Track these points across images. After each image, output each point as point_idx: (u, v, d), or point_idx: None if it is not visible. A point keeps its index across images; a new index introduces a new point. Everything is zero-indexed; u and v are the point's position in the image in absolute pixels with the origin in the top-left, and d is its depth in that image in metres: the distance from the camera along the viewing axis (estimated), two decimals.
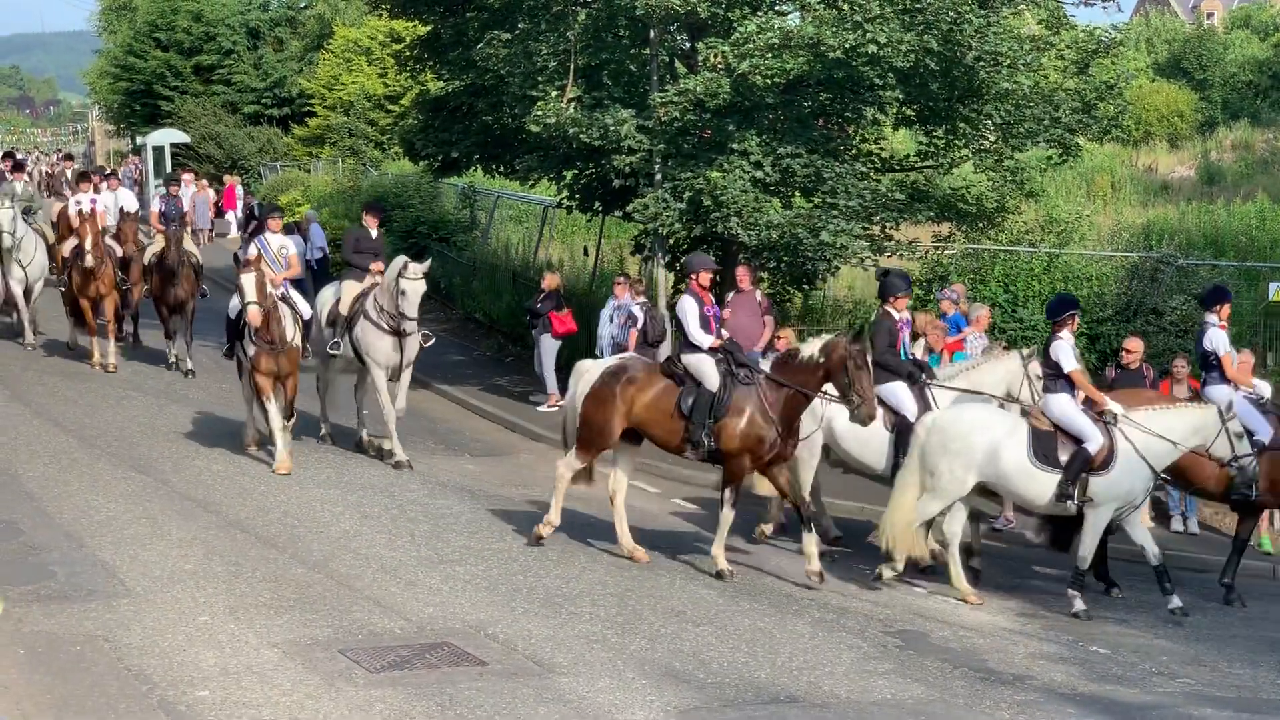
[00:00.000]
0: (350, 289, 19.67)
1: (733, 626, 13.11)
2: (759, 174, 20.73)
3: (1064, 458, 14.64)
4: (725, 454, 14.94)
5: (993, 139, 22.56)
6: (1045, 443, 14.72)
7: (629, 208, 22.19)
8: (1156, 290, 21.32)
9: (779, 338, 20.71)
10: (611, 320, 22.46)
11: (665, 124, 20.85)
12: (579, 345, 23.84)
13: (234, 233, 43.23)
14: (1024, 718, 11.15)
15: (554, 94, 21.42)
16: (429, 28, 26.76)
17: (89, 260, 23.44)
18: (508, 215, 36.93)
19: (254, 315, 17.79)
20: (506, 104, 23.47)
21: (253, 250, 19.47)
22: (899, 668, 12.27)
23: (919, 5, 19.75)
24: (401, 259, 19.03)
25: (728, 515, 15.07)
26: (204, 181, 47.11)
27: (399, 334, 18.99)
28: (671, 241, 22.79)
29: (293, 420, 18.65)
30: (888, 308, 16.52)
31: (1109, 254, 24.91)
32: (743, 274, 20.60)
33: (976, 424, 14.99)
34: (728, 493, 15.07)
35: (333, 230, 35.42)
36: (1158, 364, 19.30)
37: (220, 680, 11.10)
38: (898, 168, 23.64)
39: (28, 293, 25.20)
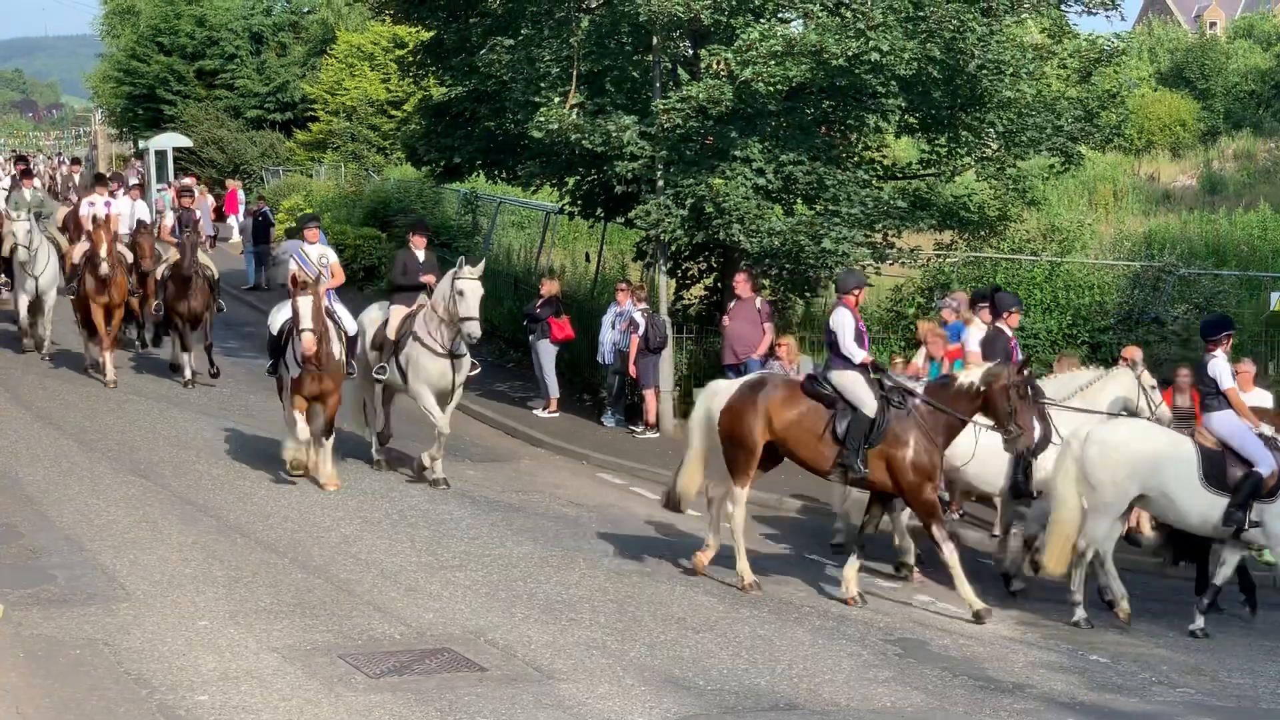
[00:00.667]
0: (398, 312, 18.88)
1: (733, 634, 13.10)
2: (761, 181, 20.74)
3: (1231, 479, 14.22)
4: (905, 489, 14.44)
5: (995, 147, 22.55)
6: (1215, 464, 14.30)
7: (631, 214, 22.21)
8: (1158, 299, 21.32)
9: (779, 344, 20.73)
10: (613, 326, 22.46)
11: (667, 130, 20.85)
12: (579, 351, 23.87)
13: (236, 237, 43.21)
14: None
15: (556, 100, 21.43)
16: (432, 33, 26.77)
17: (104, 268, 22.66)
18: (509, 221, 36.91)
19: (309, 343, 17.05)
20: (509, 110, 23.47)
21: (293, 265, 18.79)
22: (899, 675, 12.26)
23: (922, 14, 19.76)
24: (458, 261, 18.38)
25: (952, 560, 14.38)
26: (204, 187, 47.05)
27: (452, 356, 18.29)
28: (673, 248, 22.79)
29: (331, 438, 17.96)
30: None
31: (1111, 263, 24.91)
32: (741, 280, 20.59)
33: (1136, 434, 14.76)
34: (936, 531, 14.43)
35: (334, 236, 35.43)
36: (1159, 373, 19.28)
37: (220, 685, 11.09)
38: (900, 175, 23.65)
39: (36, 304, 24.60)
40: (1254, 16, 79.40)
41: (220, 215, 46.20)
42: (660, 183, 21.43)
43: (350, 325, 18.54)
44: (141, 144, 59.40)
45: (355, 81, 52.74)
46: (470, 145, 25.66)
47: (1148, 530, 17.61)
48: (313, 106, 55.07)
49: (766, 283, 22.48)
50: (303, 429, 17.54)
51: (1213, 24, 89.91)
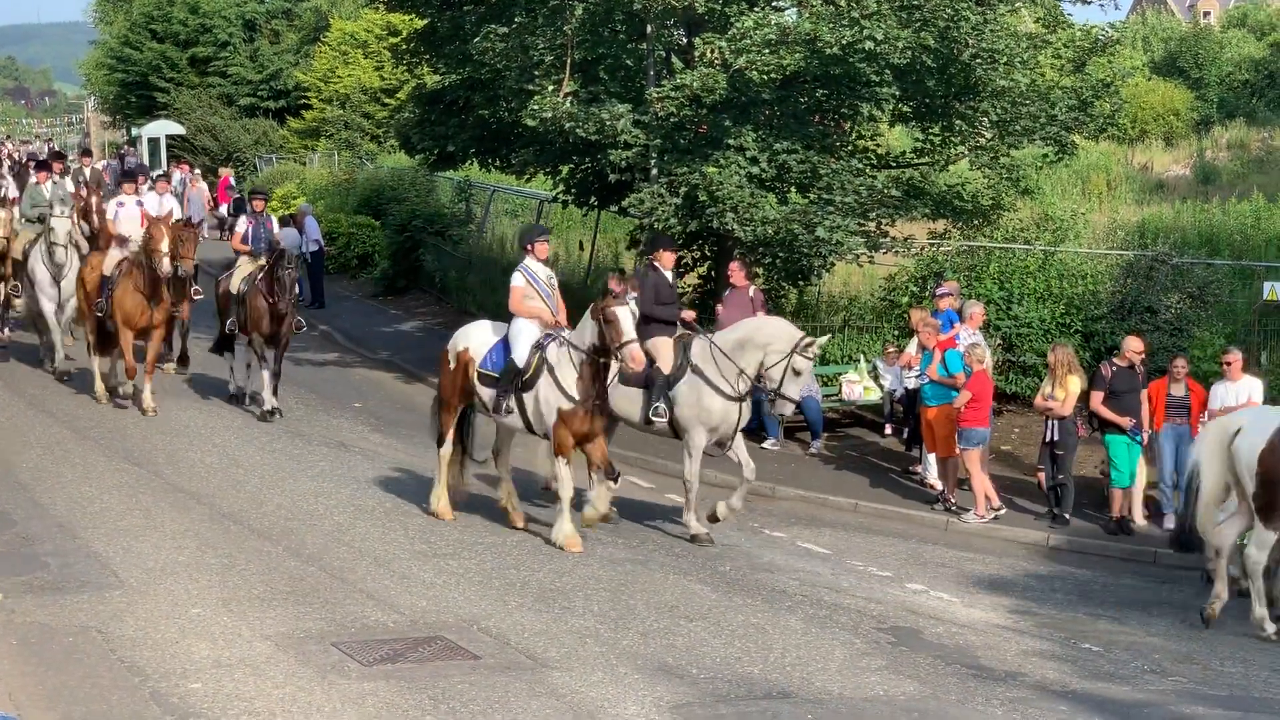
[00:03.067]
0: (664, 345, 16.26)
1: (726, 622, 13.11)
2: (755, 170, 20.73)
3: None
4: None
5: (989, 136, 22.58)
6: None
7: (625, 203, 22.19)
8: (1151, 288, 21.33)
9: None
10: None
11: (662, 119, 20.84)
12: None
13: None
14: (1016, 715, 11.14)
15: (550, 88, 21.41)
16: (425, 21, 26.74)
17: (167, 267, 19.89)
18: (503, 209, 36.91)
19: (636, 355, 14.49)
20: (503, 98, 23.47)
21: (523, 276, 15.81)
22: (891, 664, 12.26)
23: (916, 2, 19.76)
24: (798, 334, 15.86)
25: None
26: (197, 173, 46.97)
27: (741, 400, 16.00)
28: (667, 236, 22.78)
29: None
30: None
31: (1104, 252, 24.92)
32: (735, 269, 20.59)
33: None
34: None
35: (328, 224, 35.47)
36: (1152, 363, 19.31)
37: (213, 672, 11.09)
38: (894, 164, 23.64)
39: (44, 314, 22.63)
40: (1247, 6, 79.50)
41: (214, 205, 46.13)
42: (654, 171, 21.42)
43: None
44: (134, 131, 59.42)
45: (349, 69, 52.71)
46: (464, 133, 25.64)
47: (1140, 519, 17.67)
48: (306, 94, 55.05)
49: (760, 271, 22.48)
50: (569, 483, 15.21)
51: (1206, 13, 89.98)
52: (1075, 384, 17.63)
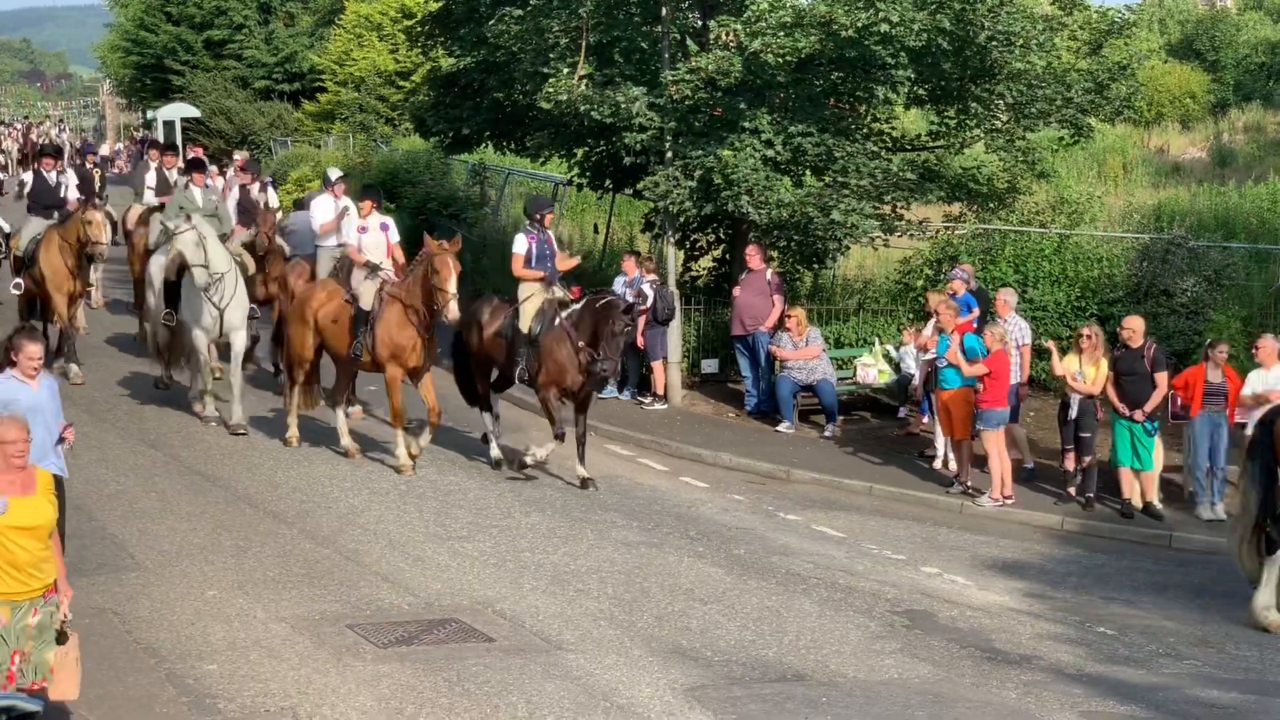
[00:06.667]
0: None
1: (740, 605, 13.13)
2: (770, 153, 20.70)
3: None
4: None
5: (1004, 119, 22.52)
6: None
7: (639, 185, 22.18)
8: (1167, 271, 21.25)
9: (788, 316, 20.74)
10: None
11: (676, 102, 20.81)
12: None
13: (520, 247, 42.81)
14: (1030, 698, 11.16)
15: (565, 71, 21.38)
16: (440, 4, 26.74)
17: (455, 311, 16.67)
18: (518, 192, 36.84)
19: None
20: (518, 81, 23.45)
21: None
22: (906, 647, 12.28)
23: None
24: None
25: None
26: (214, 169, 46.88)
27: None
28: (681, 220, 22.75)
29: None
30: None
31: (1120, 235, 24.86)
32: (753, 252, 20.54)
33: None
34: None
35: None
36: (1169, 345, 19.24)
37: (228, 654, 11.14)
38: (909, 147, 23.59)
39: (182, 345, 19.68)
40: None
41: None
42: (669, 154, 21.40)
43: None
44: (149, 114, 59.48)
45: (363, 52, 52.69)
46: (479, 116, 25.65)
47: (1156, 501, 17.57)
48: (321, 77, 55.06)
49: (775, 254, 22.46)
50: None
51: None
52: (1104, 364, 17.50)
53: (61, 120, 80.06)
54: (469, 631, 11.95)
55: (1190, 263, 21.48)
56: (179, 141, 50.45)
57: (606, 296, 17.13)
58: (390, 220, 18.98)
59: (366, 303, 17.40)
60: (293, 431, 18.21)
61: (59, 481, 10.67)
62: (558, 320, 17.10)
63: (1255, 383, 17.05)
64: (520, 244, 17.85)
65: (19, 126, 67.39)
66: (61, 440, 11.28)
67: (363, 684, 10.65)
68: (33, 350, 11.23)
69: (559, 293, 17.46)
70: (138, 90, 65.10)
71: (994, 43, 20.42)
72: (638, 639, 11.96)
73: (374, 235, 18.37)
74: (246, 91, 57.77)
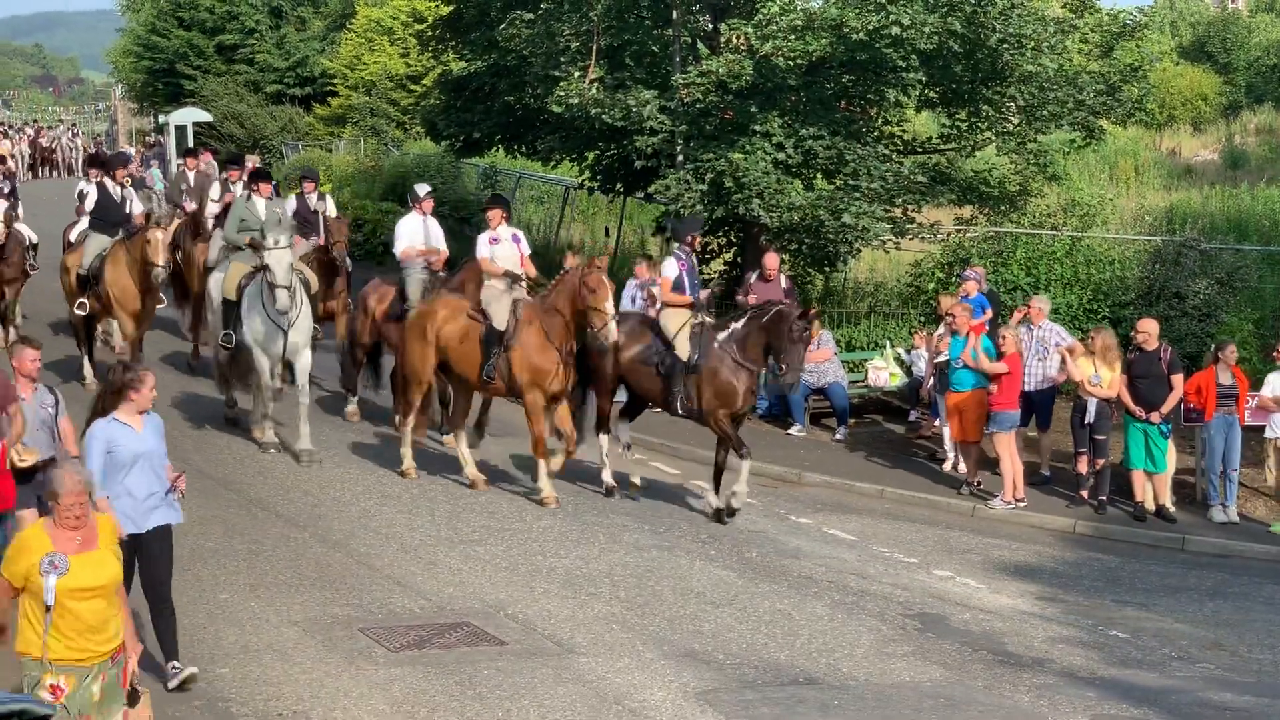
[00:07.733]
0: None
1: (752, 608, 13.12)
2: (781, 156, 20.71)
3: None
4: None
5: (1016, 121, 22.52)
6: None
7: (650, 189, 22.23)
8: (1179, 274, 21.23)
9: None
10: (634, 301, 22.42)
11: (687, 105, 20.84)
12: None
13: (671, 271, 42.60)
14: (1043, 701, 11.14)
15: (576, 74, 21.43)
16: (451, 8, 26.80)
17: (614, 332, 15.72)
18: (529, 196, 36.93)
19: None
20: (529, 84, 23.50)
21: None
22: (918, 650, 12.27)
23: None
24: None
25: None
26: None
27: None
28: None
29: None
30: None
31: (1132, 238, 24.83)
32: (772, 261, 20.11)
33: None
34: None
35: (354, 211, 35.47)
36: (1181, 348, 19.20)
37: (240, 657, 11.15)
38: (920, 150, 23.60)
39: (243, 366, 18.39)
40: None
41: None
42: (680, 157, 21.42)
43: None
44: (161, 118, 59.55)
45: (374, 56, 52.73)
46: (489, 120, 25.70)
47: (1169, 504, 17.54)
48: (332, 81, 55.10)
49: (786, 257, 22.47)
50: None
51: None
52: (1119, 368, 17.50)
53: (74, 125, 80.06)
54: (481, 635, 11.95)
55: (1202, 265, 21.45)
56: (190, 144, 50.47)
57: (774, 308, 16.05)
58: (521, 232, 17.72)
59: (500, 321, 16.23)
60: (408, 463, 16.96)
61: (166, 531, 10.40)
62: (715, 344, 16.17)
63: (1276, 384, 17.08)
64: (671, 268, 16.75)
65: (29, 131, 67.40)
66: (173, 489, 10.61)
67: (375, 687, 10.66)
68: (30, 353, 11.19)
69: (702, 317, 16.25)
70: (149, 95, 65.16)
71: (1005, 45, 20.42)
72: (650, 642, 11.96)
73: (506, 247, 16.96)
74: (258, 96, 57.80)
